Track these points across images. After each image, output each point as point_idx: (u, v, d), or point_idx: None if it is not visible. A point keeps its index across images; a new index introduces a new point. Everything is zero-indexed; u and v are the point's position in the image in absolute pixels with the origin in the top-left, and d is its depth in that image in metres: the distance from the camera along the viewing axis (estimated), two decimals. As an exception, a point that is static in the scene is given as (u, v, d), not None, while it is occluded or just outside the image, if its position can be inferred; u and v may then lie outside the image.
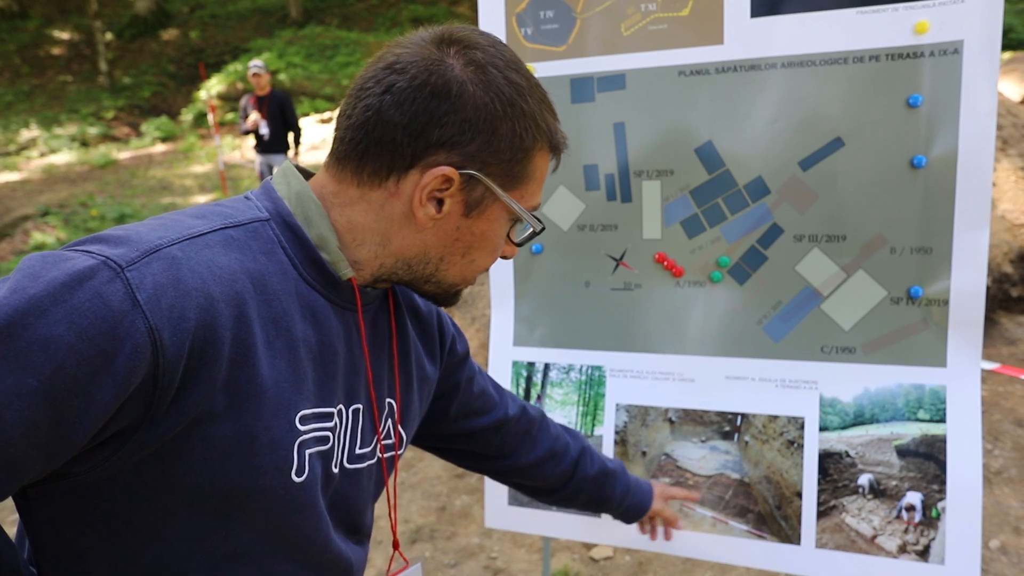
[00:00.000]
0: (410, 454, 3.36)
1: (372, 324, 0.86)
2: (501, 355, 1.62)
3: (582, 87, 1.47)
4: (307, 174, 0.83)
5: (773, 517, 1.42)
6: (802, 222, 1.38)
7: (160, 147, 12.51)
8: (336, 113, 0.80)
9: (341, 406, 0.80)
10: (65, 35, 16.60)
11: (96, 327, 0.58)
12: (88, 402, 0.59)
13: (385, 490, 0.92)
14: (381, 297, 0.88)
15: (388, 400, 0.89)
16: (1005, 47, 9.73)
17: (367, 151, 0.75)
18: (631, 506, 1.32)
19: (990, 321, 3.44)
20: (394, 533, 0.95)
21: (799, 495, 1.40)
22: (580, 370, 1.56)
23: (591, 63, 1.46)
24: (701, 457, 1.48)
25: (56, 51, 16.19)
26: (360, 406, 0.84)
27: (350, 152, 0.76)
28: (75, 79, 15.16)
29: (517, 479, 1.23)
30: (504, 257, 0.88)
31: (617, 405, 1.53)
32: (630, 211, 1.48)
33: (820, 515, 1.39)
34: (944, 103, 1.27)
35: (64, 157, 11.93)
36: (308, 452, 0.75)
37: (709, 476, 1.47)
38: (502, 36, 1.51)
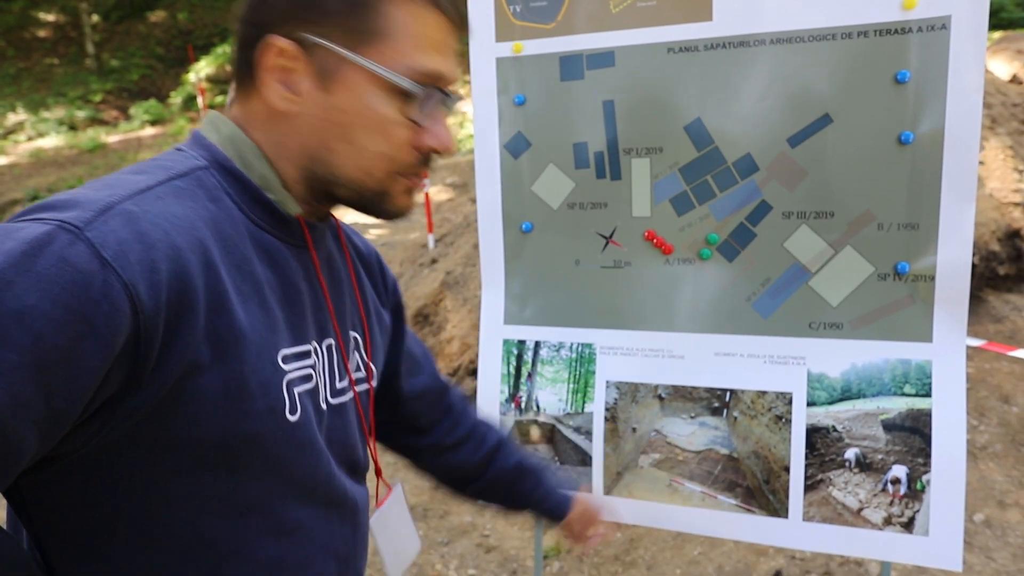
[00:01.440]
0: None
1: (327, 261, 0.85)
2: (491, 333, 1.63)
3: (571, 65, 1.47)
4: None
5: (761, 491, 1.44)
6: (791, 199, 1.38)
7: (149, 130, 12.40)
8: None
9: (315, 343, 0.79)
10: (51, 17, 16.37)
11: (68, 291, 0.56)
12: (75, 370, 0.57)
13: (363, 422, 0.90)
14: (332, 235, 0.88)
15: (353, 334, 0.88)
16: (995, 26, 9.72)
17: (235, 59, 0.76)
18: (548, 509, 1.25)
19: (977, 299, 3.47)
20: (375, 461, 0.93)
21: (787, 469, 1.42)
22: (570, 348, 1.57)
23: (580, 40, 1.45)
24: (691, 433, 1.49)
25: (42, 33, 15.98)
26: (331, 341, 0.83)
27: (233, 66, 0.77)
28: (62, 62, 14.98)
29: (433, 462, 1.17)
30: (425, 148, 0.77)
31: (607, 382, 1.55)
32: (619, 189, 1.48)
33: (807, 489, 1.41)
34: (931, 79, 1.27)
35: (52, 141, 11.83)
36: (296, 391, 0.74)
37: (698, 451, 1.49)
38: (490, 13, 1.50)
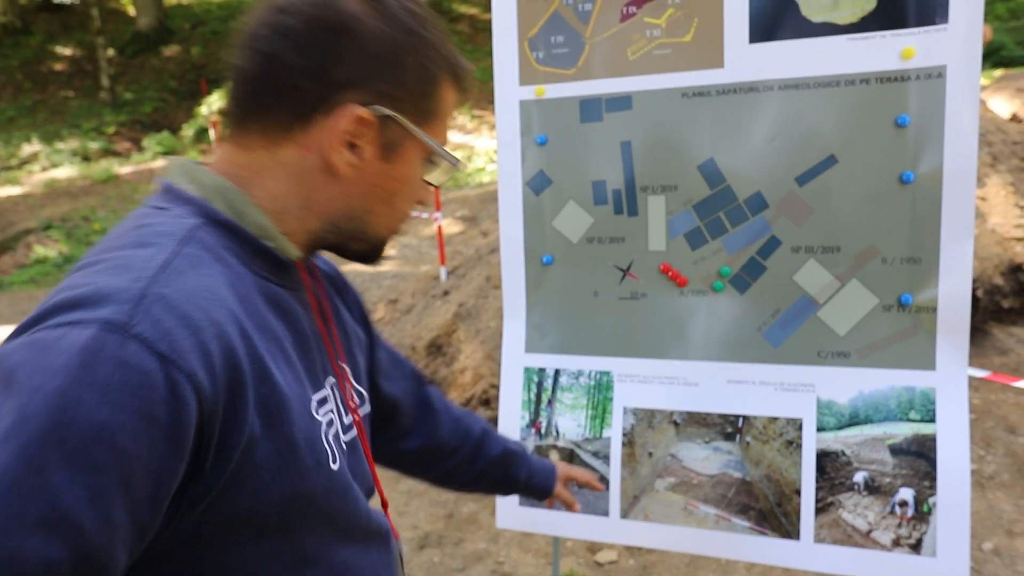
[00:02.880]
0: (416, 463, 3.42)
1: (317, 298, 0.84)
2: (513, 361, 1.70)
3: (591, 108, 1.56)
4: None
5: (773, 514, 1.50)
6: (799, 234, 1.46)
7: (161, 162, 12.61)
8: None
9: (326, 385, 0.79)
10: (67, 51, 16.75)
11: (136, 396, 0.54)
12: (157, 475, 0.56)
13: (366, 447, 0.90)
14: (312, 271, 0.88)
15: (343, 365, 0.87)
16: (996, 64, 9.88)
17: (270, 103, 0.70)
18: (535, 488, 1.27)
19: (982, 332, 3.53)
20: (379, 490, 0.92)
21: (798, 492, 1.48)
22: (589, 375, 1.64)
23: (599, 85, 1.55)
24: (705, 457, 1.55)
25: (58, 67, 16.33)
26: (333, 379, 0.82)
27: (251, 109, 0.71)
28: (77, 94, 15.29)
29: (420, 463, 1.16)
30: (420, 202, 0.82)
31: (624, 408, 1.61)
32: (636, 224, 1.57)
33: (818, 511, 1.47)
34: (930, 123, 1.36)
35: (65, 171, 12.03)
36: (330, 437, 0.74)
37: (712, 475, 1.54)
38: (515, 59, 1.60)
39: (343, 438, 0.79)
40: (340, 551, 0.76)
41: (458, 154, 12.24)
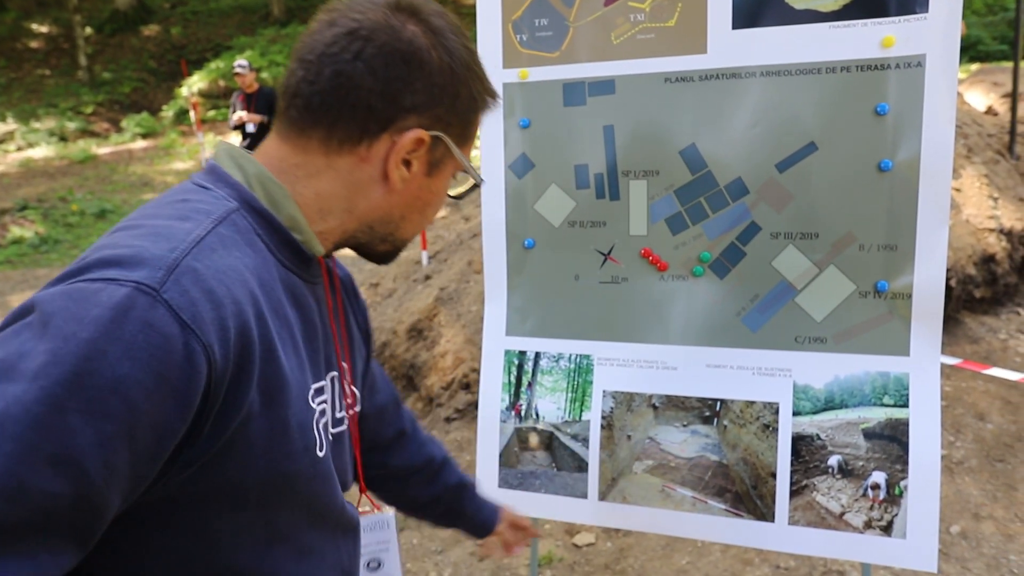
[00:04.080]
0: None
1: (331, 295, 0.90)
2: (494, 344, 1.71)
3: (574, 91, 1.56)
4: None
5: (749, 496, 1.52)
6: (778, 220, 1.48)
7: (140, 143, 12.43)
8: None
9: (325, 378, 0.84)
10: (44, 28, 16.40)
11: (156, 357, 0.59)
12: (160, 433, 0.60)
13: (355, 445, 0.96)
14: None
15: (343, 362, 0.92)
16: (973, 59, 10.00)
17: (338, 117, 0.76)
18: (480, 523, 1.29)
19: (954, 320, 3.59)
20: (361, 480, 0.99)
21: (773, 475, 1.50)
22: (569, 358, 1.65)
23: (583, 69, 1.55)
24: (682, 440, 1.57)
25: (34, 44, 15.99)
26: (335, 373, 0.87)
27: (319, 119, 0.77)
28: (53, 73, 14.99)
29: (382, 478, 1.20)
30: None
31: (604, 392, 1.62)
32: (618, 209, 1.57)
33: (793, 494, 1.49)
34: (908, 112, 1.37)
35: (42, 151, 11.82)
36: (320, 426, 0.79)
37: (690, 458, 1.56)
38: (498, 41, 1.59)
39: (332, 430, 0.84)
40: (310, 534, 0.81)
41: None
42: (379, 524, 1.12)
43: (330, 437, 0.83)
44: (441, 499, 1.24)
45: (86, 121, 13.18)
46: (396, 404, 1.20)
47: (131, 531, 0.68)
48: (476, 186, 0.90)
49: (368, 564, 1.12)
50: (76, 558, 0.60)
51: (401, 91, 0.76)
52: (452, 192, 0.89)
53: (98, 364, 0.57)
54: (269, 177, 0.77)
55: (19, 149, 11.99)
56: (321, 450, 0.78)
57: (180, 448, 0.64)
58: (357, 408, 0.98)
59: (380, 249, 0.87)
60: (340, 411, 0.88)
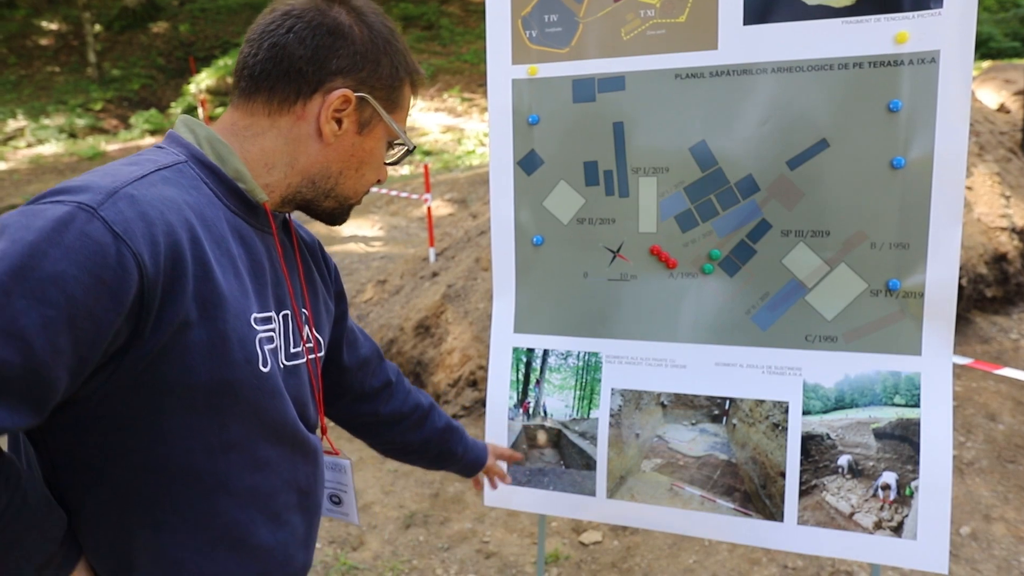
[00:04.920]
0: (404, 444, 3.43)
1: (284, 246, 1.02)
2: (502, 341, 1.70)
3: (583, 88, 1.55)
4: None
5: (758, 495, 1.51)
6: (789, 218, 1.47)
7: (149, 139, 12.46)
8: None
9: (274, 312, 0.94)
10: (53, 26, 16.47)
11: (91, 259, 0.70)
12: (97, 323, 0.72)
13: (313, 384, 1.05)
14: (284, 224, 1.04)
15: (303, 310, 1.03)
16: (984, 56, 9.92)
17: (277, 81, 0.91)
18: (471, 461, 1.46)
19: (966, 320, 3.57)
20: (321, 421, 1.09)
21: (783, 475, 1.49)
22: (577, 356, 1.65)
23: (592, 65, 1.54)
24: (691, 439, 1.56)
25: (44, 41, 16.06)
26: (287, 312, 0.98)
27: (260, 84, 0.91)
28: (63, 70, 15.05)
29: (374, 425, 1.32)
30: (379, 181, 1.03)
31: (612, 389, 1.62)
32: (627, 206, 1.56)
33: (802, 494, 1.48)
34: (922, 108, 1.36)
35: (52, 148, 11.87)
36: (265, 348, 0.89)
37: (698, 457, 1.56)
38: (508, 37, 1.59)
39: (283, 359, 0.95)
40: (264, 448, 0.91)
41: (447, 137, 12.17)
42: (337, 467, 1.25)
43: (281, 365, 0.93)
44: (431, 441, 1.37)
45: (95, 118, 13.22)
46: (379, 357, 1.32)
47: (92, 428, 0.80)
48: (409, 152, 1.02)
49: (331, 498, 1.27)
50: (32, 419, 0.72)
51: (328, 57, 0.91)
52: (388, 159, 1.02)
53: (39, 261, 0.69)
54: (217, 138, 0.91)
55: (29, 146, 12.05)
56: (265, 366, 0.88)
57: (128, 347, 0.76)
58: (320, 354, 1.08)
59: (326, 206, 0.99)
60: (296, 347, 0.98)
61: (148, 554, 0.85)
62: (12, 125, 12.63)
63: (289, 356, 0.97)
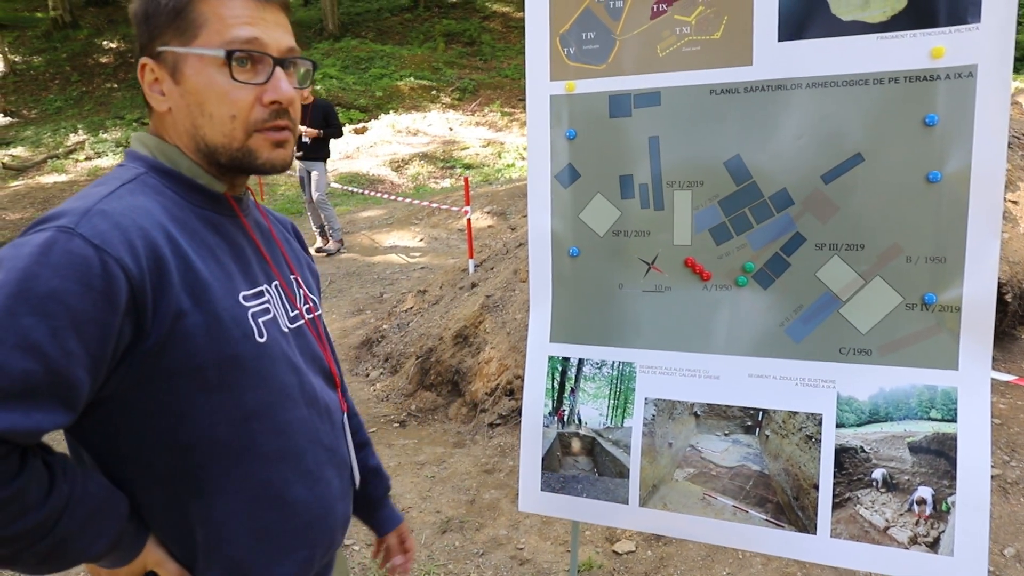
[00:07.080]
0: (440, 449, 3.48)
1: (256, 225, 1.09)
2: (538, 350, 1.74)
3: (620, 103, 1.59)
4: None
5: (791, 507, 1.52)
6: (823, 231, 1.48)
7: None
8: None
9: (265, 285, 1.02)
10: (113, 44, 17.15)
11: (78, 272, 0.79)
12: (99, 325, 0.80)
13: (320, 339, 1.12)
14: (253, 208, 1.11)
15: (292, 276, 1.12)
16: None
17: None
18: (379, 519, 1.34)
19: (1010, 336, 3.48)
20: (333, 373, 1.14)
21: (816, 487, 1.49)
22: (612, 366, 1.67)
23: (629, 81, 1.58)
24: (724, 449, 1.58)
25: (104, 60, 16.72)
26: (276, 282, 1.06)
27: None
28: (121, 86, 15.65)
29: None
30: (267, 102, 0.94)
31: (646, 399, 1.64)
32: (662, 218, 1.59)
33: (835, 506, 1.48)
34: (959, 123, 1.36)
35: (109, 160, 12.34)
36: (260, 320, 0.97)
37: (731, 467, 1.57)
38: (546, 55, 1.63)
39: (286, 324, 1.03)
40: (283, 411, 0.98)
41: (488, 150, 12.27)
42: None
43: (285, 330, 1.02)
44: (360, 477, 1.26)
45: (150, 131, 13.68)
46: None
47: (123, 422, 0.89)
48: (231, 55, 0.91)
49: None
50: (66, 417, 0.81)
51: (134, 44, 0.99)
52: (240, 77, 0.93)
53: (34, 282, 0.77)
54: (164, 144, 0.98)
55: (88, 159, 12.54)
56: (261, 337, 0.95)
57: (135, 344, 0.85)
58: (319, 312, 1.16)
59: (223, 162, 0.97)
60: (293, 310, 1.06)
61: (200, 521, 0.94)
62: (73, 139, 13.17)
63: (290, 320, 1.05)
